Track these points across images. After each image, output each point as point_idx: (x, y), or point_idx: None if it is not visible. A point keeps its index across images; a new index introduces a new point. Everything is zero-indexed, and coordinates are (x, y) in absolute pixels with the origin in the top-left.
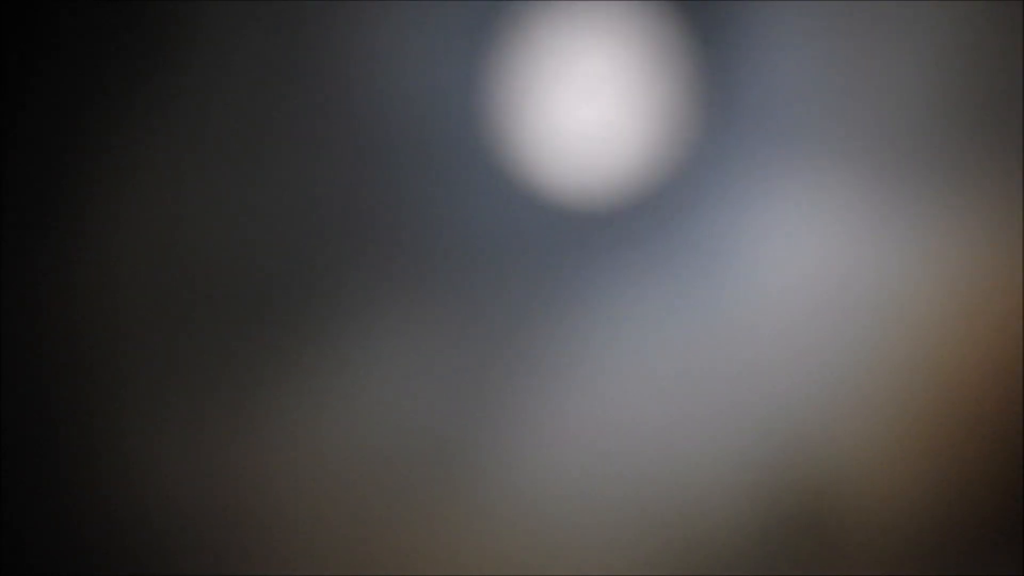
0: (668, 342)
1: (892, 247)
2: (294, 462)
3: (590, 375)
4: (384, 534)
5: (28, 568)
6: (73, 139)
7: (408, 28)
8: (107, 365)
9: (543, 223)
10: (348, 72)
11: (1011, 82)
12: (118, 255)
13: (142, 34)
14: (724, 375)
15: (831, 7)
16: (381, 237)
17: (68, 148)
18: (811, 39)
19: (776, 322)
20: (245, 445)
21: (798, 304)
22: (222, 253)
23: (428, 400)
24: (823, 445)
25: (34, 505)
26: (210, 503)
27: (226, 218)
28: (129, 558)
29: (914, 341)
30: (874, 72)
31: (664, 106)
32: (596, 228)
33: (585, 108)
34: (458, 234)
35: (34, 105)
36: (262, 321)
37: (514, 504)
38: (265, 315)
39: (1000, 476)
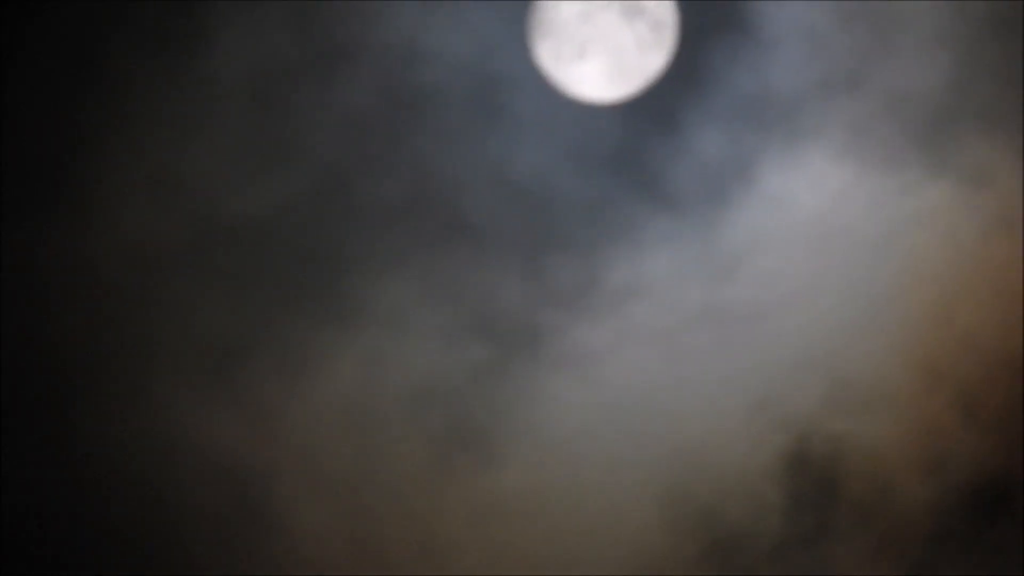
0: (683, 284)
1: (898, 200)
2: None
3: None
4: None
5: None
6: (87, 110)
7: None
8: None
9: (557, 187)
10: (368, 51)
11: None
12: (129, 227)
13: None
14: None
15: None
16: (403, 208)
17: (81, 113)
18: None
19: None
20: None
21: (806, 246)
22: (246, 220)
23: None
24: (835, 397)
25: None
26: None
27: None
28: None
29: (918, 292)
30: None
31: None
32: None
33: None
34: (480, 199)
35: (40, 85)
36: (286, 296)
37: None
38: (288, 289)
39: (1003, 430)
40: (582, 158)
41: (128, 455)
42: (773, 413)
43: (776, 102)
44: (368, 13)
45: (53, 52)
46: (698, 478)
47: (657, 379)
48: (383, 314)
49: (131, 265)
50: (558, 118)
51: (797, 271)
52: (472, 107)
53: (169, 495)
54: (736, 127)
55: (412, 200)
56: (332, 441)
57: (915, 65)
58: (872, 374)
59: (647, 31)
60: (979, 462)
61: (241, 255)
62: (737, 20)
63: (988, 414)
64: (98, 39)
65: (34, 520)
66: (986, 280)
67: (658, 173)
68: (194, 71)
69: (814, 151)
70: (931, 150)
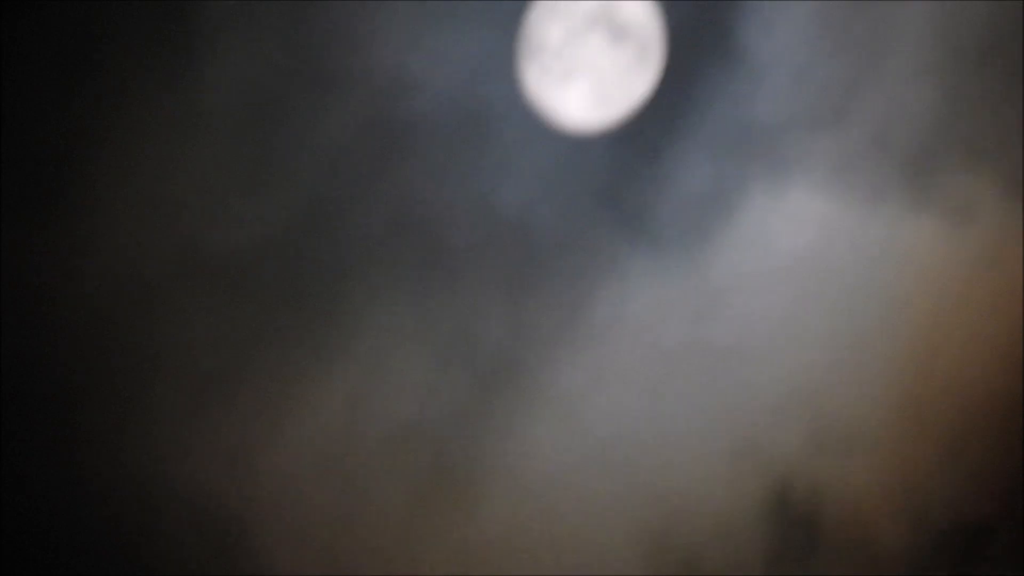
0: (666, 323)
1: (881, 236)
2: (299, 451)
3: (591, 353)
4: (387, 523)
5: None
6: (77, 136)
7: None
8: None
9: (546, 219)
10: (358, 73)
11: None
12: (116, 247)
13: (149, 25)
14: (719, 360)
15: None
16: (392, 235)
17: (72, 142)
18: (812, 36)
19: (767, 306)
20: (253, 431)
21: (789, 289)
22: (238, 248)
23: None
24: (815, 435)
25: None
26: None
27: (238, 211)
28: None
29: (905, 328)
30: (867, 69)
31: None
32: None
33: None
34: (468, 233)
35: (37, 92)
36: (277, 318)
37: (516, 484)
38: (280, 311)
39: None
40: (566, 191)
41: (102, 492)
42: (756, 456)
43: (760, 134)
44: (354, 42)
45: (40, 77)
46: (680, 521)
47: (638, 419)
48: (365, 351)
49: (110, 296)
50: (542, 148)
51: (780, 309)
52: (456, 137)
53: (143, 534)
54: (719, 160)
55: (395, 233)
56: (311, 479)
57: (900, 99)
58: (855, 416)
59: (633, 55)
60: (962, 506)
61: (222, 288)
62: (722, 49)
63: (972, 457)
64: (85, 65)
65: (7, 555)
66: (970, 320)
67: (641, 206)
68: (180, 98)
69: (798, 185)
70: (915, 185)
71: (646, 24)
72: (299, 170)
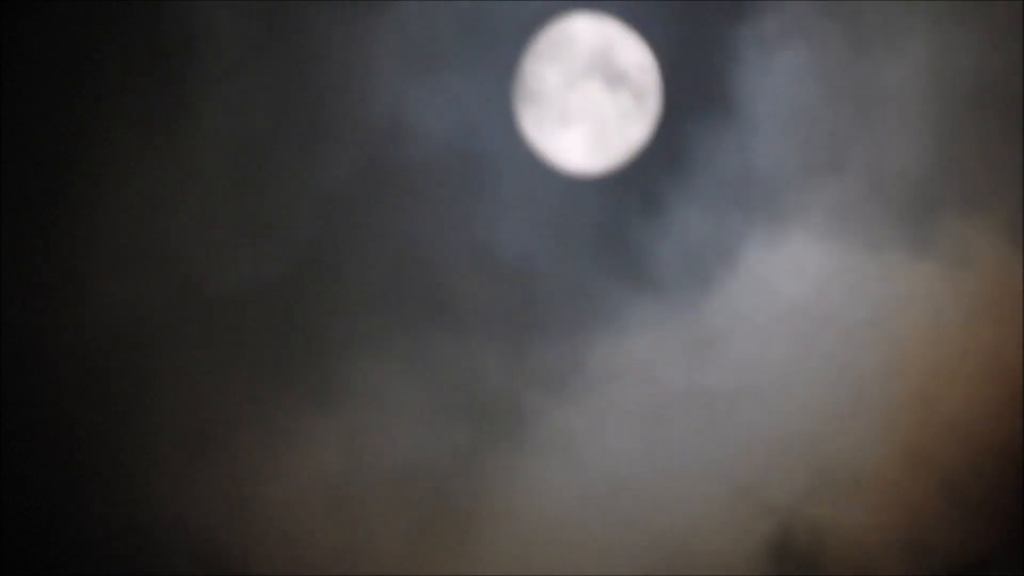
0: (663, 366)
1: (880, 283)
2: (304, 488)
3: (589, 401)
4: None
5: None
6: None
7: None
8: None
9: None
10: (352, 115)
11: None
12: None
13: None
14: (718, 400)
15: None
16: (390, 278)
17: (66, 172)
18: (807, 80)
19: (766, 346)
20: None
21: (790, 328)
22: (237, 286)
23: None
24: (815, 475)
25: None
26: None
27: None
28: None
29: (899, 366)
30: (865, 113)
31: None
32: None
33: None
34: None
35: (34, 112)
36: (273, 362)
37: (515, 526)
38: (275, 356)
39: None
40: (566, 237)
41: (106, 532)
42: (756, 498)
43: (759, 183)
44: (350, 89)
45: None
46: (681, 562)
47: (639, 463)
48: (365, 394)
49: (113, 341)
50: (542, 193)
51: (780, 355)
52: (455, 183)
53: (148, 574)
54: (719, 207)
55: (394, 279)
56: (313, 521)
57: (896, 147)
58: (855, 459)
59: (630, 101)
60: (960, 547)
61: (223, 333)
62: (720, 96)
63: (970, 500)
64: (84, 115)
65: None
66: (969, 365)
67: (641, 254)
68: (178, 146)
69: (797, 233)
70: (914, 232)
71: (643, 70)
72: (297, 216)
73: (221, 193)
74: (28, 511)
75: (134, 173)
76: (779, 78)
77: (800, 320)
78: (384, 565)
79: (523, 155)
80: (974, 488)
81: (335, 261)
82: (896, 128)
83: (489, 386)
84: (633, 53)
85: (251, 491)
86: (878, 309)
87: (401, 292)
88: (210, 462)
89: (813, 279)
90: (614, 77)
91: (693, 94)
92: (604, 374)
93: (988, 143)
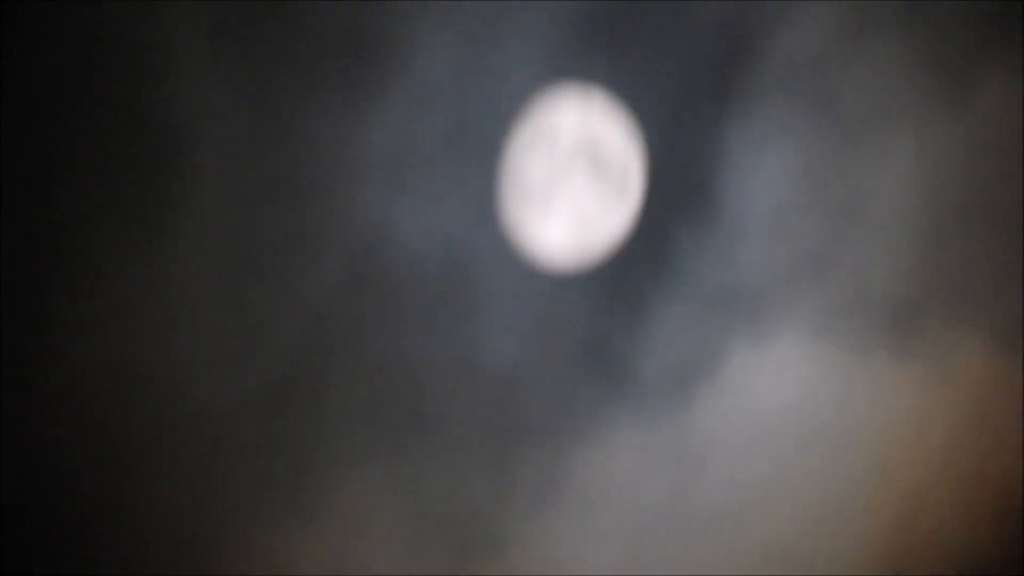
0: (649, 478)
1: (866, 391)
2: None
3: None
4: None
5: None
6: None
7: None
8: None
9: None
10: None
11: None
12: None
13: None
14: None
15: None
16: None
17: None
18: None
19: (751, 459)
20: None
21: (775, 441)
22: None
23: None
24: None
25: None
26: None
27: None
28: None
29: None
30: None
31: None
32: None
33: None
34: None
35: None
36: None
37: None
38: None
39: None
40: (549, 346)
41: None
42: None
43: (743, 288)
44: (332, 197)
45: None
46: None
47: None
48: (346, 511)
49: (89, 454)
50: (525, 298)
51: (763, 469)
52: (438, 291)
53: None
54: (703, 313)
55: (378, 392)
56: None
57: (881, 252)
58: (839, 573)
59: (614, 194)
60: None
61: (204, 447)
62: (703, 197)
63: None
64: (65, 223)
65: None
66: (953, 477)
67: (623, 362)
68: (160, 255)
69: (782, 340)
70: (899, 339)
71: (627, 165)
72: (279, 329)
73: (203, 304)
74: None
75: (114, 281)
76: (764, 181)
77: (785, 431)
78: None
79: (506, 254)
80: None
81: (315, 376)
82: (882, 234)
83: (471, 502)
84: (617, 147)
85: None
86: (863, 418)
87: (384, 407)
88: None
89: (798, 387)
90: (598, 169)
91: (677, 193)
92: (586, 489)
93: (974, 250)
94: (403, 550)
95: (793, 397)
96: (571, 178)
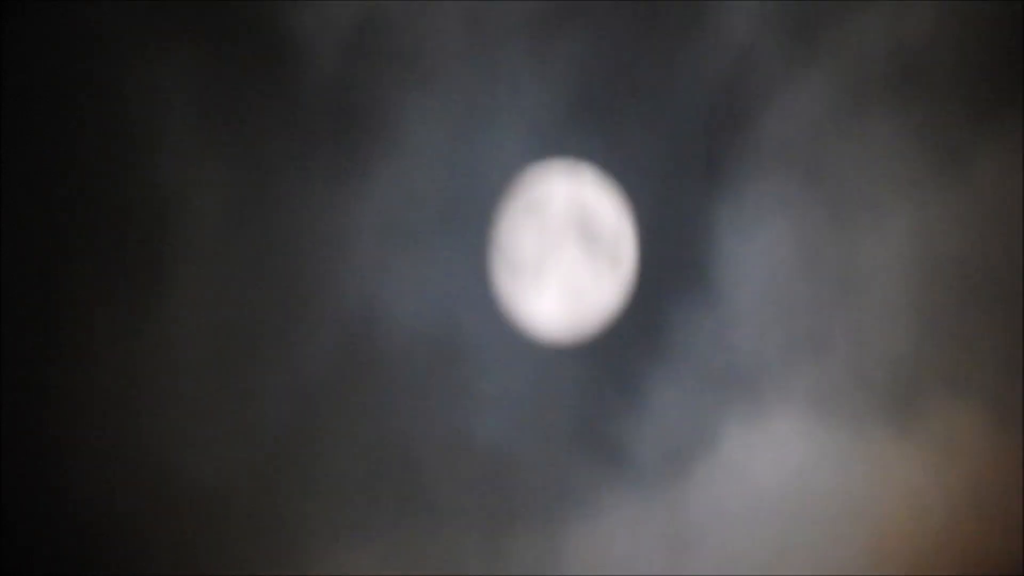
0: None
1: (863, 470)
2: None
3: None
4: None
5: None
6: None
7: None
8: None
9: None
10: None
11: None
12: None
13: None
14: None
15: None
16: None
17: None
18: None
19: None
20: None
21: (769, 515)
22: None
23: None
24: None
25: None
26: None
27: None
28: None
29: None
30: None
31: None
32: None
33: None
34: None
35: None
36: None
37: None
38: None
39: None
40: (543, 422)
41: None
42: None
43: (738, 364)
44: (323, 274)
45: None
46: None
47: None
48: None
49: (79, 533)
50: (518, 373)
51: (760, 546)
52: (430, 367)
53: None
54: (698, 390)
55: (370, 469)
56: None
57: (878, 328)
58: None
59: (606, 266)
60: None
61: (196, 525)
62: (697, 271)
63: None
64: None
65: None
66: (952, 555)
67: (618, 439)
68: (151, 331)
69: (778, 418)
70: (897, 416)
71: (620, 238)
72: (271, 406)
73: (193, 380)
74: None
75: (105, 358)
76: (758, 256)
77: (781, 510)
78: None
79: (498, 331)
80: None
81: (307, 453)
82: (878, 309)
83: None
84: (610, 220)
85: None
86: (861, 496)
87: (376, 484)
88: None
89: (795, 466)
90: (590, 242)
91: (669, 268)
92: (582, 569)
93: (972, 326)
94: None
95: (790, 475)
96: (563, 251)
